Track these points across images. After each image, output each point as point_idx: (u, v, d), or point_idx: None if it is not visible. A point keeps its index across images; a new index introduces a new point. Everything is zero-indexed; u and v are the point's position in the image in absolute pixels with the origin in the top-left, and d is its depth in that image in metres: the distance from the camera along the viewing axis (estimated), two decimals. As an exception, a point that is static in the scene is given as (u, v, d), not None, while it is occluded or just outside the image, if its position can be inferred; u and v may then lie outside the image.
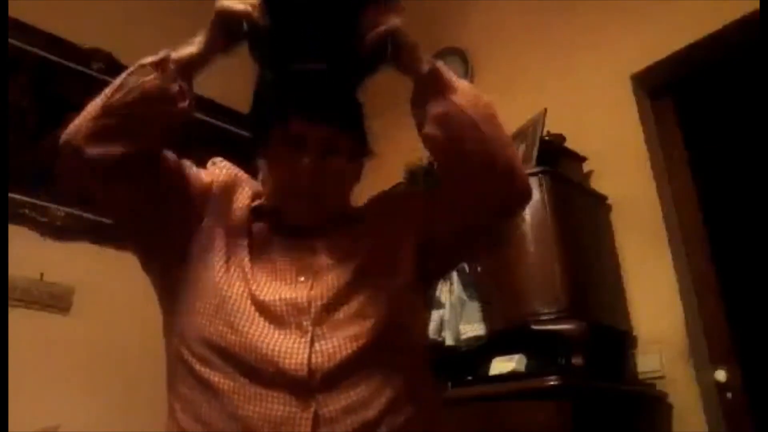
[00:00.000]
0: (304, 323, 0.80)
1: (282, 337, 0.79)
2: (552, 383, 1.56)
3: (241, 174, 1.00)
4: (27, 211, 2.25)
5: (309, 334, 0.79)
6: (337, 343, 0.79)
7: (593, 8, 2.32)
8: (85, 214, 2.40)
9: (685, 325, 1.83)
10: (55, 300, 2.23)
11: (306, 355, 0.77)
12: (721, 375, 1.75)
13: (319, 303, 0.82)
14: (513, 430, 1.57)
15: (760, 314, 2.25)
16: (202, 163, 0.98)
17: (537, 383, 1.60)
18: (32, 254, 2.22)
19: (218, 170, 0.98)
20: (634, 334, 1.93)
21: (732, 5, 1.87)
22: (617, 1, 2.23)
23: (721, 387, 1.75)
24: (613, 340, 1.89)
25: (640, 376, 1.89)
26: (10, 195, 2.20)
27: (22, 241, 2.18)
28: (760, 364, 2.02)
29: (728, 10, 1.88)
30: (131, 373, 2.30)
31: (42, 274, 2.22)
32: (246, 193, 0.96)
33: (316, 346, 0.78)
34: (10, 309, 2.04)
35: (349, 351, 0.79)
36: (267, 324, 0.80)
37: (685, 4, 2.02)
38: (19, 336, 1.93)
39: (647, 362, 1.89)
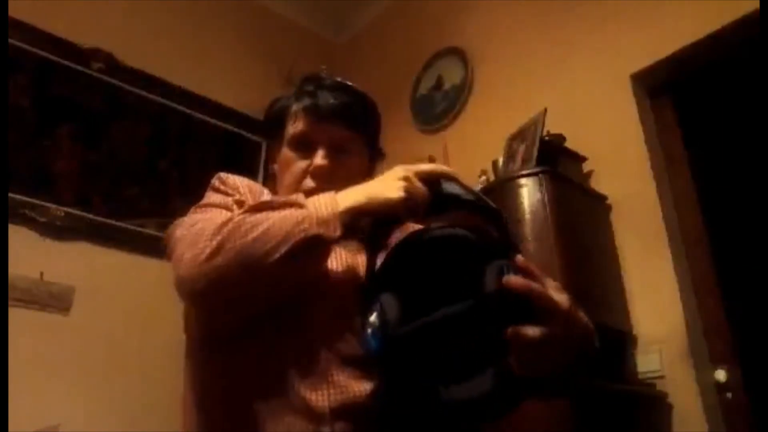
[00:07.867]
0: None
1: None
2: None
3: (254, 186, 0.96)
4: (27, 211, 2.25)
5: None
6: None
7: (593, 8, 2.32)
8: (85, 214, 2.41)
9: (685, 325, 1.83)
10: (55, 300, 2.23)
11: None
12: (721, 375, 1.74)
13: None
14: (511, 430, 1.57)
15: (760, 314, 2.25)
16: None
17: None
18: (32, 254, 2.22)
19: (239, 184, 0.93)
20: (634, 334, 1.93)
21: (732, 5, 1.86)
22: (617, 1, 2.23)
23: (721, 387, 1.75)
24: (613, 339, 1.89)
25: (640, 376, 1.88)
26: (10, 195, 2.20)
27: (22, 241, 2.18)
28: (760, 364, 2.02)
29: (728, 10, 1.87)
30: (131, 372, 2.30)
31: (42, 274, 2.22)
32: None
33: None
34: (10, 309, 2.04)
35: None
36: None
37: (685, 4, 2.02)
38: (19, 336, 1.94)
39: (647, 362, 1.88)
